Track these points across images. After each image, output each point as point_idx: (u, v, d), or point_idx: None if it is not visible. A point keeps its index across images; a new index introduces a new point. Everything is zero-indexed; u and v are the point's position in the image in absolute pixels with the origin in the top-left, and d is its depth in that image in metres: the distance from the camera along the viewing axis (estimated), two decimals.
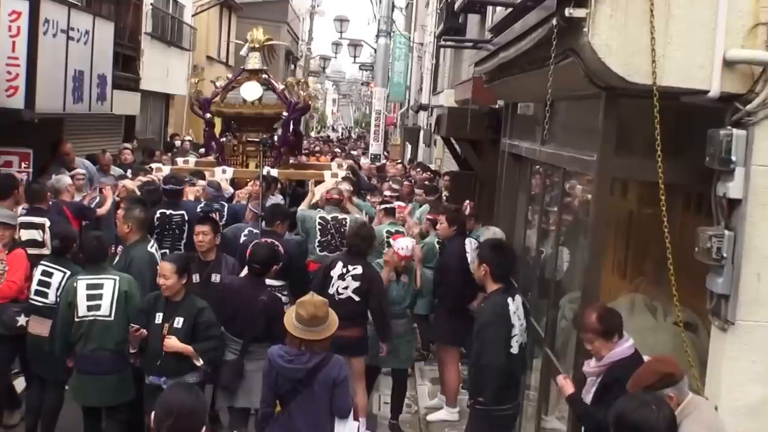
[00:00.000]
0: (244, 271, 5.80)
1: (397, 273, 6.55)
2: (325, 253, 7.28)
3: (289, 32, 35.56)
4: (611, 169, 3.96)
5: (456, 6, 12.64)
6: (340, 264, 6.01)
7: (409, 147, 27.41)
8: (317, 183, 10.36)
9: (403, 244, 6.51)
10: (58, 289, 5.48)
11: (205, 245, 6.04)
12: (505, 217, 7.86)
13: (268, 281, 5.88)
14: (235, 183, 9.34)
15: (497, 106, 9.07)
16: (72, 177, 8.47)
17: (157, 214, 7.02)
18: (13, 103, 8.63)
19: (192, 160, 10.86)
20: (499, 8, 7.33)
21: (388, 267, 6.43)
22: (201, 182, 8.56)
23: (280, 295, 6.11)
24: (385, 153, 19.21)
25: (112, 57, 11.44)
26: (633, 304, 5.00)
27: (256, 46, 10.23)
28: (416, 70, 29.38)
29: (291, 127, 10.30)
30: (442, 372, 6.95)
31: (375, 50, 34.61)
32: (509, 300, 4.78)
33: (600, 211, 4.02)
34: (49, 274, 5.60)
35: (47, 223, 6.46)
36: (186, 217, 7.15)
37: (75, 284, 5.26)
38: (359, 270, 5.97)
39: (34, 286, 5.61)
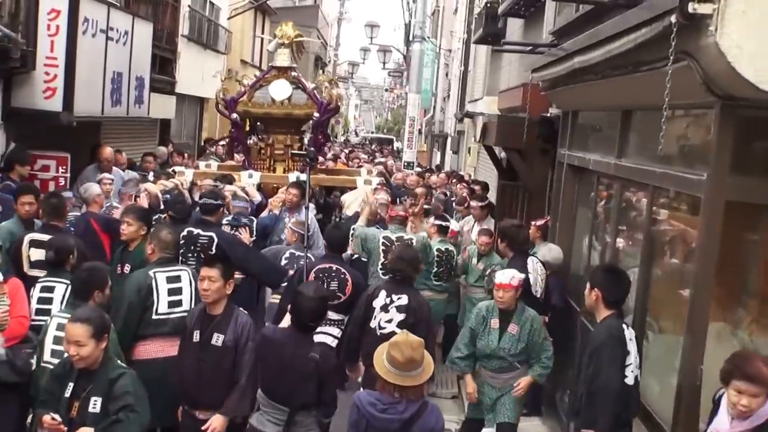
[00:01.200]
0: (286, 320, 4.76)
1: (506, 316, 5.34)
2: (388, 276, 6.82)
3: (318, 37, 35.37)
4: (725, 190, 3.51)
5: (500, 10, 12.27)
6: (383, 293, 5.27)
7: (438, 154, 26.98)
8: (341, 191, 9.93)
9: (511, 275, 5.37)
10: (61, 303, 4.80)
11: (211, 295, 4.46)
12: (562, 233, 7.44)
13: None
14: (261, 188, 8.80)
15: (549, 115, 8.66)
16: (98, 182, 8.00)
17: (184, 232, 6.09)
18: (50, 106, 8.37)
19: (214, 164, 10.26)
20: (564, 12, 6.94)
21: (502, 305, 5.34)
22: (230, 187, 7.97)
23: (338, 329, 5.58)
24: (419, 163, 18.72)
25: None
26: (719, 333, 4.58)
27: (285, 42, 9.56)
28: (442, 76, 29.07)
29: (321, 129, 9.91)
30: None
31: (404, 56, 34.51)
32: (624, 326, 4.25)
33: (710, 236, 3.57)
34: (50, 289, 4.92)
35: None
36: (215, 240, 6.16)
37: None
38: (404, 300, 5.20)
39: (33, 305, 4.86)
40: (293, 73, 9.57)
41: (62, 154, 8.78)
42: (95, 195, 6.93)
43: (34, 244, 5.56)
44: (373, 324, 5.19)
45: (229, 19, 18.69)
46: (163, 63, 13.11)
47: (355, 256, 7.12)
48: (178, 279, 4.96)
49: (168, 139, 14.05)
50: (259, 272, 6.14)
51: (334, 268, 5.74)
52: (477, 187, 11.22)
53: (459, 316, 7.73)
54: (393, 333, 4.89)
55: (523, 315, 5.30)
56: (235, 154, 10.35)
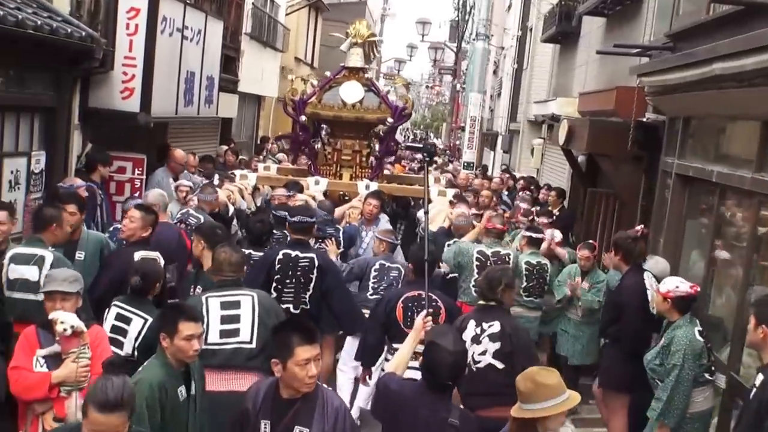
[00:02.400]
0: (411, 373, 4.08)
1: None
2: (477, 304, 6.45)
3: (346, 32, 34.90)
4: None
5: (581, 8, 11.82)
6: (471, 323, 4.66)
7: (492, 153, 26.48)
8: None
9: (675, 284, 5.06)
10: (136, 340, 4.33)
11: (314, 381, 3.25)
12: (668, 247, 7.02)
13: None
14: (327, 195, 8.33)
15: (647, 120, 8.22)
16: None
17: (280, 255, 5.53)
18: (128, 106, 8.11)
19: (273, 166, 9.87)
20: (683, 12, 6.51)
21: None
22: (301, 196, 7.58)
23: None
24: (504, 166, 18.23)
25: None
26: None
27: (359, 41, 9.06)
28: (491, 74, 28.52)
29: (393, 135, 9.50)
30: (609, 421, 6.11)
31: (456, 53, 34.08)
32: None
33: None
34: (126, 320, 4.39)
35: (160, 258, 5.16)
36: (316, 263, 5.59)
37: None
38: (496, 327, 4.60)
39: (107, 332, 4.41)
40: (366, 75, 9.15)
41: (138, 155, 8.56)
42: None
43: None
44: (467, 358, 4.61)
45: (287, 15, 18.46)
46: (227, 61, 12.87)
47: (450, 274, 6.75)
48: (235, 305, 4.35)
49: (230, 138, 13.84)
50: (340, 312, 5.68)
51: (424, 295, 5.00)
52: (553, 193, 10.77)
53: (559, 347, 7.24)
54: (490, 366, 4.53)
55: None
56: (298, 158, 10.07)
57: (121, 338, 4.35)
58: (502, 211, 8.83)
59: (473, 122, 16.85)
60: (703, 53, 5.25)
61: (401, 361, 3.94)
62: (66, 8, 7.26)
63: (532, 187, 11.54)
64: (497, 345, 4.55)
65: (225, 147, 12.29)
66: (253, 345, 4.23)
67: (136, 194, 8.36)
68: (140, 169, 8.49)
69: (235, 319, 4.26)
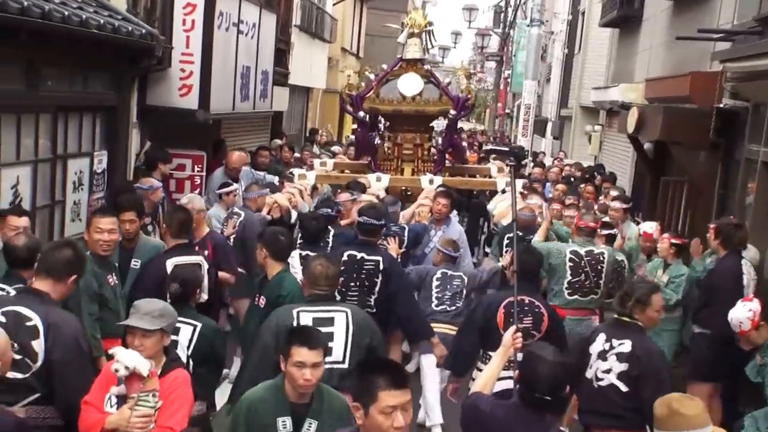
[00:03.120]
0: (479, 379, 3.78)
1: None
2: (576, 297, 6.10)
3: (401, 23, 34.60)
4: None
5: None
6: (601, 337, 4.28)
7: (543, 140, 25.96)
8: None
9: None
10: (188, 348, 4.14)
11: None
12: (753, 236, 6.66)
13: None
14: (388, 192, 8.09)
15: (723, 106, 7.84)
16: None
17: (344, 257, 5.31)
18: (186, 103, 8.01)
19: (330, 162, 9.56)
20: None
21: None
22: (365, 197, 7.27)
23: None
24: (563, 153, 17.62)
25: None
26: None
27: (416, 31, 8.72)
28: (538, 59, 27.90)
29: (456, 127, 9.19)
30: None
31: (503, 39, 33.57)
32: None
33: None
34: (174, 330, 4.09)
35: (203, 263, 5.01)
36: (381, 266, 5.32)
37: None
38: (627, 347, 4.13)
39: None
40: (425, 66, 8.81)
41: (198, 152, 8.46)
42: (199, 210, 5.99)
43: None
44: (589, 374, 4.23)
45: (334, 5, 18.29)
46: (278, 54, 12.72)
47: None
48: (329, 322, 4.03)
49: (281, 132, 13.70)
50: (407, 318, 5.40)
51: (527, 301, 4.75)
52: (607, 184, 10.40)
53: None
54: (612, 387, 4.13)
55: None
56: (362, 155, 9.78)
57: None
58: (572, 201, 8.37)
59: (527, 110, 16.45)
60: None
61: (489, 379, 3.62)
62: (122, 5, 7.15)
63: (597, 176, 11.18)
64: (624, 366, 4.11)
65: (278, 141, 12.13)
66: (346, 365, 3.97)
67: (197, 191, 8.27)
68: (200, 165, 8.40)
69: (328, 337, 3.93)
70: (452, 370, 5.03)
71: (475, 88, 9.59)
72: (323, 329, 3.87)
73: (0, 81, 5.45)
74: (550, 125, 24.30)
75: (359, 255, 5.31)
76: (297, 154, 11.41)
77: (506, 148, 6.45)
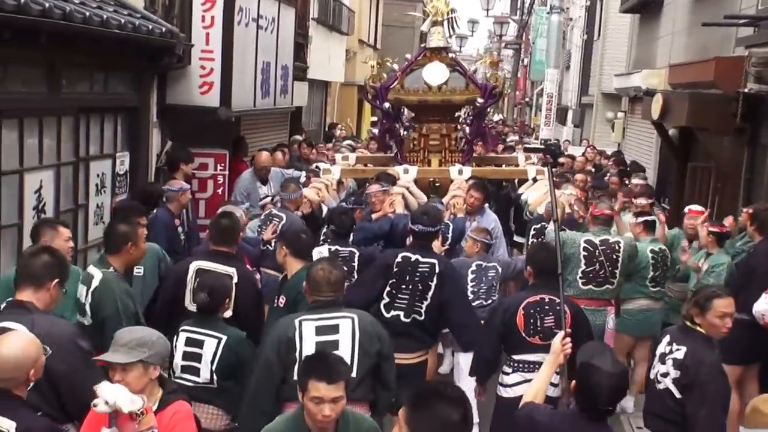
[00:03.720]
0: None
1: None
2: (590, 286, 5.96)
3: (423, 11, 34.47)
4: None
5: None
6: (666, 339, 4.04)
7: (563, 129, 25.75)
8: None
9: None
10: (213, 362, 4.03)
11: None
12: None
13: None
14: (416, 183, 7.76)
15: (748, 90, 7.70)
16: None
17: (399, 258, 5.04)
18: (207, 101, 7.92)
19: (352, 156, 9.27)
20: None
21: None
22: (397, 189, 7.00)
23: (556, 374, 4.32)
24: (586, 141, 17.26)
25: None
26: None
27: (439, 18, 8.39)
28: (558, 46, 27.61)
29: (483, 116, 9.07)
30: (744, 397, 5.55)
31: (521, 26, 33.27)
32: None
33: None
34: (198, 343, 4.07)
35: (235, 275, 4.67)
36: (437, 269, 5.02)
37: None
38: (681, 354, 3.86)
39: (179, 362, 4.09)
40: (450, 54, 8.55)
41: (220, 150, 8.40)
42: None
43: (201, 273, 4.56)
44: (652, 374, 4.07)
45: None
46: (297, 48, 12.64)
47: None
48: (333, 330, 3.81)
49: (300, 127, 13.63)
50: (463, 326, 5.15)
51: (547, 300, 4.57)
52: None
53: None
54: (668, 390, 3.91)
55: None
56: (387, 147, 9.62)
57: (196, 364, 4.04)
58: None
59: (550, 99, 16.25)
60: None
61: (540, 388, 3.51)
62: (140, 2, 7.09)
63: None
64: (677, 373, 3.90)
65: (298, 137, 12.04)
66: (354, 374, 3.72)
67: (220, 190, 8.22)
68: (222, 164, 8.33)
69: (333, 345, 3.74)
70: (477, 376, 4.93)
71: (503, 75, 9.33)
72: (328, 337, 3.76)
73: (22, 84, 5.40)
74: (570, 113, 24.06)
75: (414, 257, 5.05)
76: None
77: (541, 146, 6.07)
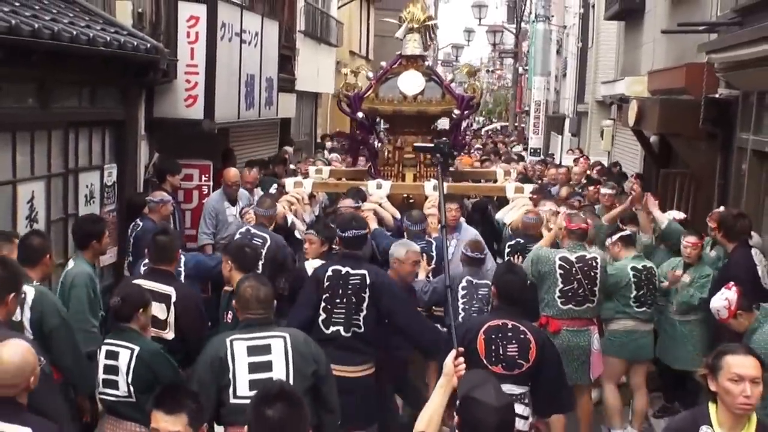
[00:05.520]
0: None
1: None
2: (570, 306, 5.66)
3: (399, 17, 34.34)
4: None
5: None
6: None
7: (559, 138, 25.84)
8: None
9: None
10: (128, 374, 3.88)
11: None
12: None
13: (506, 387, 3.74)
14: (389, 199, 7.40)
15: (719, 95, 7.97)
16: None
17: (329, 272, 4.90)
18: (192, 114, 8.25)
19: (326, 169, 8.79)
20: None
21: None
22: (367, 205, 6.87)
23: (523, 406, 4.21)
24: (578, 151, 16.72)
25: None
26: None
27: (415, 25, 7.97)
28: (554, 54, 27.72)
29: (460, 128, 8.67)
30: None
31: (516, 35, 33.44)
32: None
33: None
34: (114, 355, 3.93)
35: (174, 295, 4.63)
36: (367, 280, 4.85)
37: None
38: None
39: (101, 376, 3.98)
40: (426, 63, 8.10)
41: (204, 162, 8.67)
42: None
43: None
44: None
45: (339, 8, 18.47)
46: (283, 61, 12.94)
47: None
48: (265, 350, 3.70)
49: (289, 138, 13.93)
50: (414, 334, 4.93)
51: (510, 326, 4.28)
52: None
53: (658, 350, 6.31)
54: None
55: None
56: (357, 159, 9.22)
57: (114, 377, 3.92)
58: (577, 202, 8.02)
59: (537, 107, 16.41)
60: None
61: (432, 416, 3.11)
62: (128, 20, 7.41)
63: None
64: None
65: (289, 149, 12.34)
66: None
67: (205, 201, 8.46)
68: (207, 175, 8.60)
69: (266, 366, 3.65)
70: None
71: (480, 85, 9.12)
72: (260, 358, 3.67)
73: (14, 100, 5.74)
74: (567, 122, 23.51)
75: (344, 269, 4.88)
76: (293, 166, 10.84)
77: (430, 145, 5.69)
